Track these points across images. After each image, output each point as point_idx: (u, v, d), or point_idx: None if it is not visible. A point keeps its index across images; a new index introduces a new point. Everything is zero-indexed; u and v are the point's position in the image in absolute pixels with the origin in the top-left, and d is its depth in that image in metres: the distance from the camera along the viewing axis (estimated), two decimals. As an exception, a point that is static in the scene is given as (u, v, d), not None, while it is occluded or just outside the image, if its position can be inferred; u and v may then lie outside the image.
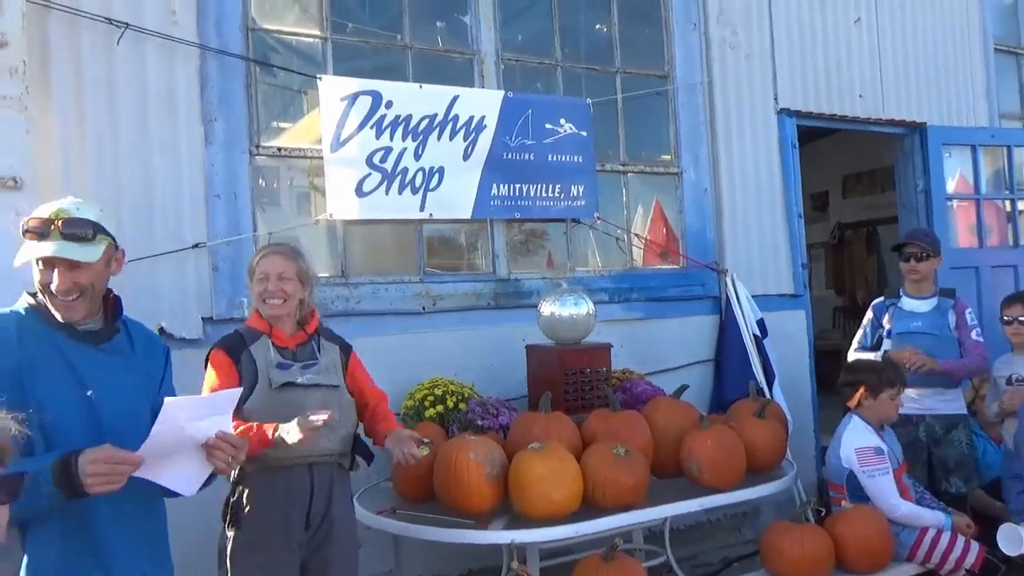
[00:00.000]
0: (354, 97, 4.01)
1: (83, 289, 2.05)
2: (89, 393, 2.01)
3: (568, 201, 4.60)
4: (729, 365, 4.79)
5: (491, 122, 4.34)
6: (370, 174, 4.04)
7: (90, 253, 2.04)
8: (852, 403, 3.80)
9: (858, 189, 9.06)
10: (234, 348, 2.69)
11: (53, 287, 2.02)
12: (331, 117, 3.96)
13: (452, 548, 3.40)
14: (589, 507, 3.19)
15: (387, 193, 4.08)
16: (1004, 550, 3.24)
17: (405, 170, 4.12)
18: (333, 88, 3.98)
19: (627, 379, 4.23)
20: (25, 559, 1.93)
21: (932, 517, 3.62)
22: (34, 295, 2.08)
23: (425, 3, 4.48)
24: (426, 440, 3.28)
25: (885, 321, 4.34)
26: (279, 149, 4.04)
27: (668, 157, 5.12)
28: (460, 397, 3.83)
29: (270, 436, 2.50)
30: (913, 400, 4.10)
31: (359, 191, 4.01)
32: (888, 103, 5.76)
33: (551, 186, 4.54)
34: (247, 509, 2.62)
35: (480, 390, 4.03)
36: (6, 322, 2.01)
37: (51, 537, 1.94)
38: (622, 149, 4.96)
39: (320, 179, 4.04)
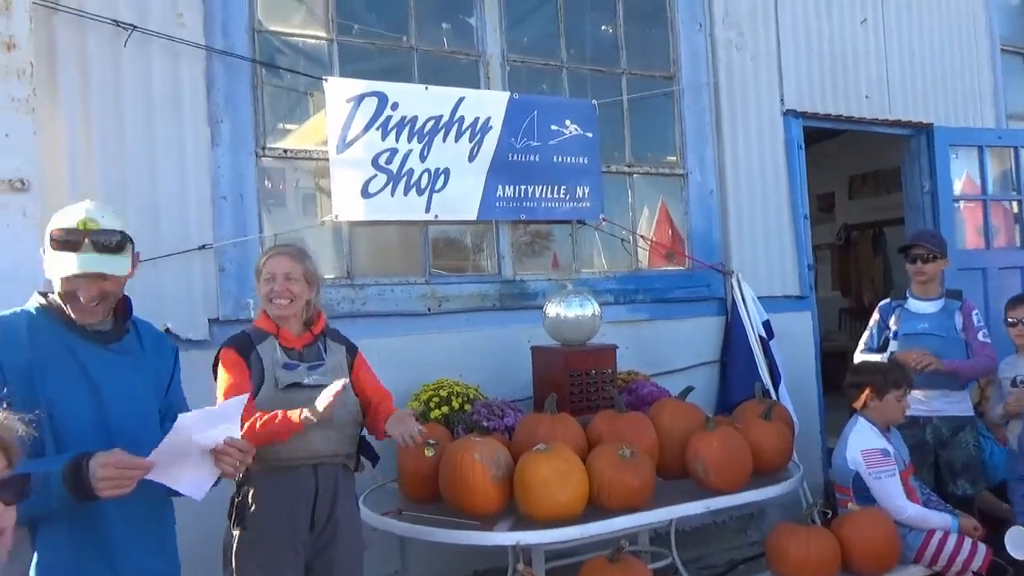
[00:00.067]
0: (360, 98, 4.02)
1: (107, 295, 2.07)
2: (96, 386, 2.03)
3: (573, 202, 4.60)
4: (735, 367, 4.78)
5: (497, 123, 4.34)
6: (376, 175, 4.04)
7: (122, 264, 2.07)
8: (858, 405, 3.79)
9: (864, 190, 9.03)
10: (243, 347, 2.71)
11: (81, 296, 2.03)
12: (337, 118, 3.97)
13: (458, 549, 3.39)
14: (595, 508, 3.18)
15: (393, 194, 4.08)
16: (1011, 553, 3.23)
17: (411, 171, 4.13)
18: (339, 89, 3.99)
19: (633, 380, 4.23)
20: (34, 558, 1.94)
21: (939, 519, 3.61)
22: (45, 295, 2.10)
23: (431, 5, 4.49)
24: (431, 441, 3.30)
25: (891, 323, 4.33)
26: (285, 150, 4.05)
27: (674, 158, 5.12)
28: (465, 398, 3.83)
29: (297, 420, 2.51)
30: (920, 402, 4.09)
31: (365, 192, 4.02)
32: (895, 104, 5.75)
33: (556, 187, 4.54)
34: (252, 509, 2.63)
35: (485, 391, 4.03)
36: (17, 322, 2.02)
37: (60, 537, 1.96)
38: (627, 150, 4.95)
39: (326, 180, 4.04)
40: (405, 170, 4.11)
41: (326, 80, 3.99)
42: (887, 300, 4.50)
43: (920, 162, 5.89)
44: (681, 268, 5.07)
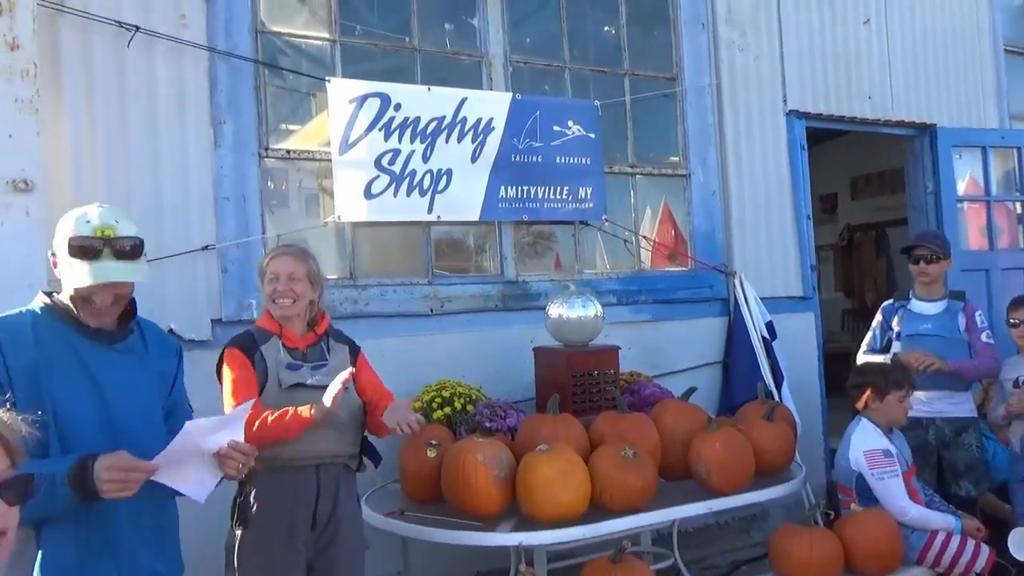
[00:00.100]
0: (363, 99, 4.02)
1: (122, 299, 2.09)
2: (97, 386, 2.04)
3: (576, 203, 4.60)
4: (737, 367, 4.78)
5: (499, 124, 4.35)
6: (378, 176, 4.05)
7: (141, 270, 2.09)
8: (860, 405, 3.79)
9: (867, 191, 9.02)
10: (247, 347, 2.71)
11: (98, 301, 2.04)
12: (340, 119, 3.97)
13: (460, 550, 3.39)
14: (597, 509, 3.18)
15: (395, 195, 4.09)
16: (1015, 554, 3.22)
17: (413, 172, 4.13)
18: (342, 90, 4.00)
19: (635, 381, 4.23)
20: (39, 559, 1.95)
21: (942, 520, 3.60)
22: (49, 294, 2.10)
23: (434, 6, 4.50)
24: (433, 442, 3.30)
25: (894, 323, 4.32)
26: (288, 151, 4.06)
27: (676, 159, 5.12)
28: (468, 399, 3.83)
29: (308, 415, 2.54)
30: (923, 403, 4.08)
31: (367, 193, 4.02)
32: (897, 104, 5.75)
33: (559, 188, 4.54)
34: (253, 508, 2.63)
35: (488, 392, 4.03)
36: (23, 321, 2.03)
37: (65, 537, 1.96)
38: (630, 151, 4.95)
39: (329, 181, 4.05)
40: (408, 171, 4.12)
41: (329, 81, 3.99)
42: (890, 301, 4.50)
43: (923, 163, 5.89)
44: (684, 269, 5.06)
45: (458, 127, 4.25)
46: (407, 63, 4.36)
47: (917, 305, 4.31)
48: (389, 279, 4.19)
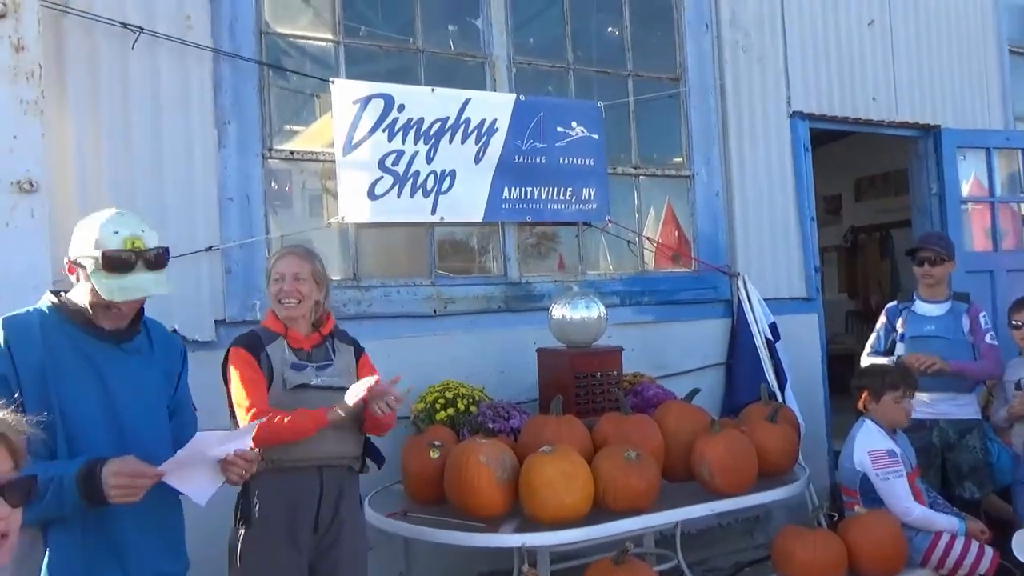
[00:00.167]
0: (366, 100, 4.02)
1: (140, 302, 2.13)
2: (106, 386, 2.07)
3: (579, 204, 4.60)
4: (741, 369, 4.77)
5: (503, 125, 4.35)
6: (382, 177, 4.05)
7: (167, 279, 2.13)
8: (859, 406, 3.80)
9: (871, 192, 9.00)
10: (252, 346, 2.72)
11: (124, 307, 2.08)
12: (343, 120, 3.98)
13: (462, 551, 3.40)
14: (600, 511, 3.18)
15: (399, 196, 4.09)
16: (1019, 556, 3.22)
17: (417, 173, 4.13)
18: (345, 91, 4.00)
19: (638, 382, 4.22)
20: (46, 558, 1.96)
21: (946, 522, 3.60)
22: (57, 294, 2.12)
23: (437, 7, 4.50)
24: (436, 443, 3.30)
25: (898, 325, 4.32)
26: (292, 152, 4.06)
27: (680, 160, 5.11)
28: (471, 400, 3.83)
29: (328, 418, 2.59)
30: (926, 405, 4.07)
31: (371, 194, 4.03)
32: (902, 106, 5.73)
33: (562, 189, 4.54)
34: (256, 508, 2.64)
35: (491, 393, 4.03)
36: (31, 320, 2.04)
37: (72, 537, 1.98)
38: (634, 152, 4.95)
39: (332, 182, 4.05)
40: (411, 172, 4.12)
41: (333, 82, 4.00)
42: (894, 303, 4.49)
43: (927, 164, 5.87)
44: (687, 270, 5.06)
45: (462, 128, 4.25)
46: (411, 64, 4.36)
47: (921, 307, 4.30)
48: (392, 280, 4.19)
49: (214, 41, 3.74)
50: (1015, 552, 3.22)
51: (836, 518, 3.81)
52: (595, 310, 3.90)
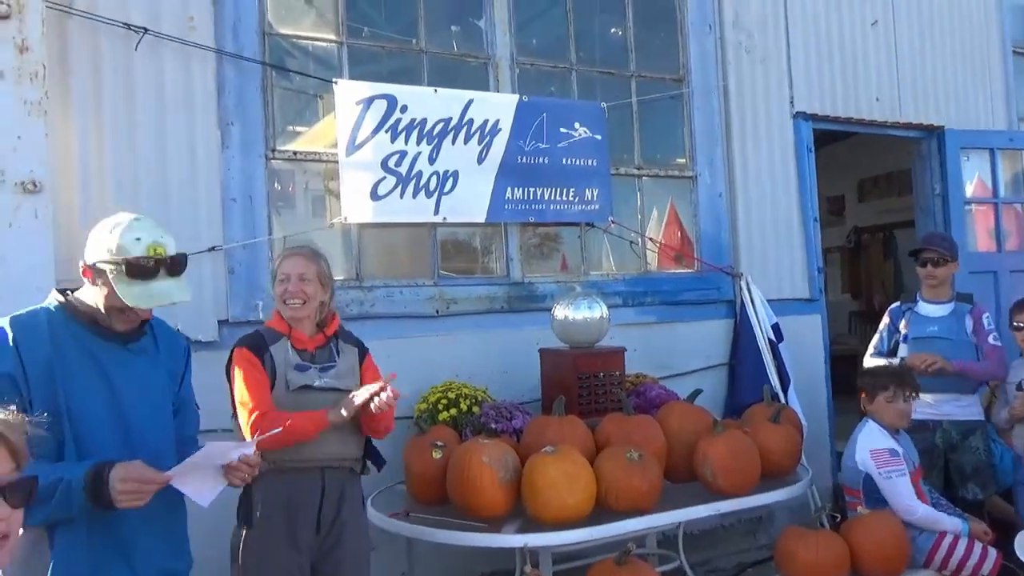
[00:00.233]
0: (369, 101, 4.03)
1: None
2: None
3: (582, 205, 4.60)
4: (744, 369, 4.76)
5: (505, 126, 4.35)
6: (385, 178, 4.05)
7: (187, 285, 2.16)
8: (862, 407, 3.80)
9: (875, 193, 9.00)
10: (256, 347, 2.73)
11: (142, 313, 2.11)
12: (346, 121, 3.98)
13: (465, 551, 3.40)
14: (602, 511, 3.18)
15: (402, 197, 4.09)
16: (1022, 557, 3.21)
17: (420, 174, 4.14)
18: (348, 92, 4.00)
19: (641, 383, 4.22)
20: (53, 558, 1.97)
21: (949, 523, 3.59)
22: (63, 292, 2.13)
23: (440, 8, 4.50)
24: (439, 443, 3.30)
25: (902, 326, 4.31)
26: (295, 153, 4.07)
27: (683, 161, 5.11)
28: (473, 400, 3.84)
29: (330, 420, 2.60)
30: (929, 406, 4.08)
31: (374, 195, 4.03)
32: (905, 106, 5.73)
33: (565, 190, 4.54)
34: (258, 509, 2.64)
35: (493, 393, 4.04)
36: (38, 319, 2.06)
37: (78, 537, 1.99)
38: (637, 153, 4.95)
39: (335, 183, 4.06)
40: (414, 172, 4.12)
41: (336, 83, 4.00)
42: (897, 303, 4.49)
43: (931, 165, 5.86)
44: (690, 270, 5.06)
45: (464, 128, 4.25)
46: (414, 65, 4.37)
47: (924, 308, 4.30)
48: (395, 280, 4.20)
49: (217, 42, 3.75)
50: (1018, 553, 3.21)
51: (839, 519, 3.80)
52: (598, 311, 3.90)
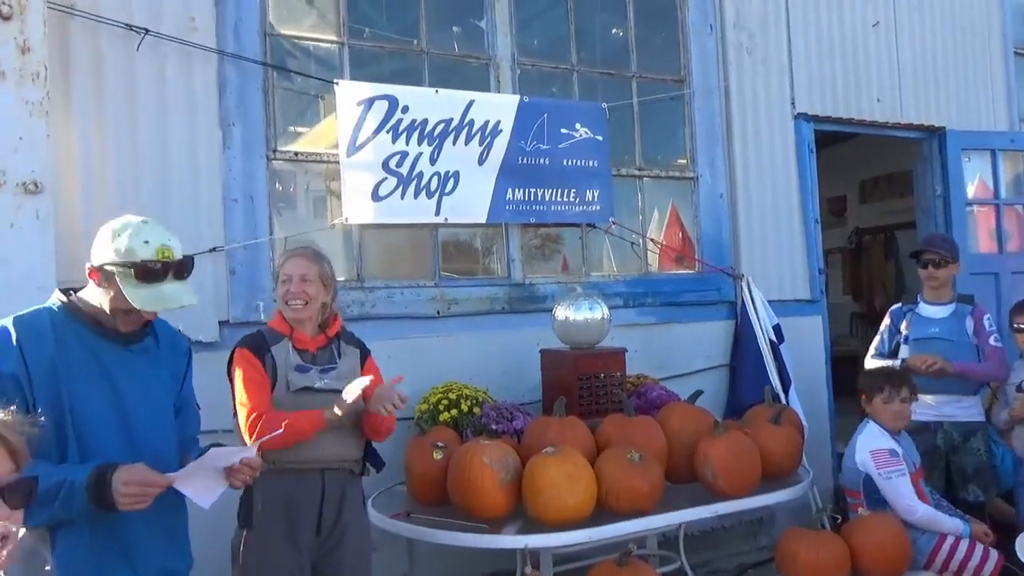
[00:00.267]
0: (370, 102, 4.03)
1: None
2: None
3: (583, 205, 4.60)
4: (744, 370, 4.76)
5: (507, 127, 4.35)
6: (386, 178, 4.06)
7: (192, 288, 2.17)
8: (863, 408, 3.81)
9: (876, 194, 8.99)
10: (257, 347, 2.73)
11: (147, 316, 2.12)
12: (348, 122, 3.98)
13: (466, 552, 3.40)
14: (603, 512, 3.18)
15: (403, 197, 4.09)
16: (1023, 560, 3.21)
17: (421, 174, 4.14)
18: (350, 93, 4.01)
19: (642, 384, 4.22)
20: (54, 559, 1.97)
21: (950, 524, 3.59)
22: (66, 292, 2.13)
23: (441, 8, 4.50)
24: (440, 444, 3.30)
25: (903, 327, 4.31)
26: (296, 153, 4.07)
27: (684, 161, 5.11)
28: (474, 401, 3.84)
29: (324, 418, 2.58)
30: (930, 407, 4.07)
31: (375, 195, 4.03)
32: (906, 107, 5.73)
33: (566, 190, 4.54)
34: (259, 509, 2.64)
35: (494, 394, 4.04)
36: (41, 319, 2.06)
37: (80, 538, 2.00)
38: (638, 153, 4.95)
39: (336, 183, 4.06)
40: (415, 173, 4.12)
41: (337, 83, 4.00)
42: (898, 305, 4.48)
43: (932, 166, 5.86)
44: (691, 271, 5.06)
45: (466, 129, 4.25)
46: (415, 65, 4.37)
47: (925, 309, 4.29)
48: (396, 281, 4.20)
49: (219, 43, 3.75)
50: (1020, 555, 3.21)
51: (840, 520, 3.80)
52: (599, 311, 3.90)
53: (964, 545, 3.53)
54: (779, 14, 5.28)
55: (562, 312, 3.92)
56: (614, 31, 5.06)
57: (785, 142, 5.25)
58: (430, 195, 4.16)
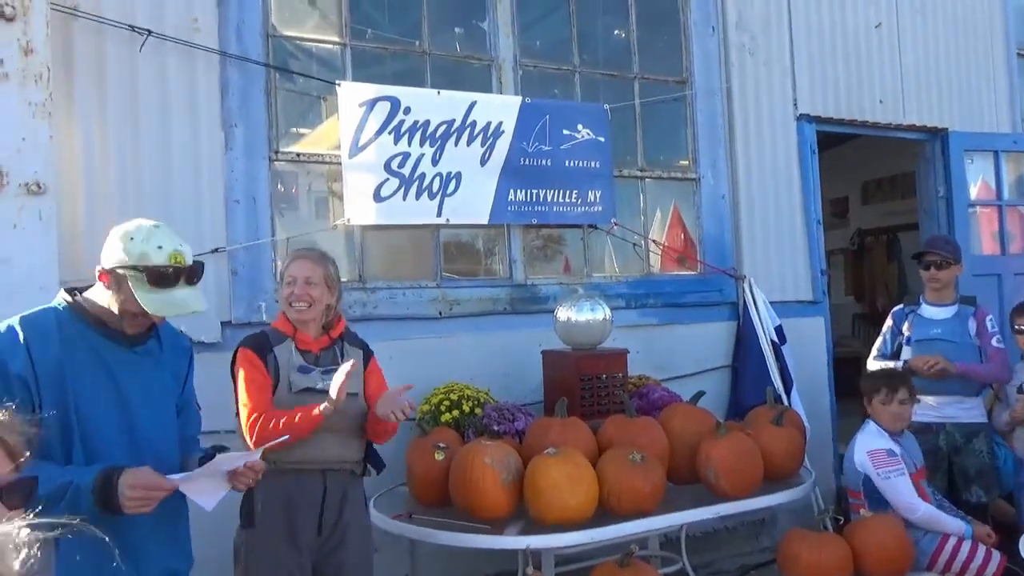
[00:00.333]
0: (372, 103, 4.04)
1: None
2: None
3: (585, 206, 4.60)
4: (747, 371, 4.76)
5: (509, 128, 4.35)
6: (388, 179, 4.06)
7: (201, 294, 2.17)
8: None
9: (878, 195, 8.99)
10: (260, 347, 2.73)
11: (156, 320, 2.12)
12: (350, 123, 3.99)
13: (467, 553, 3.40)
14: (605, 513, 3.18)
15: (405, 198, 4.10)
16: (1026, 560, 3.21)
17: (423, 175, 4.14)
18: (352, 94, 4.01)
19: (643, 385, 4.22)
20: (56, 562, 1.97)
21: (952, 524, 3.59)
22: (71, 292, 2.14)
23: (444, 10, 4.51)
24: (441, 445, 3.30)
25: (905, 328, 4.30)
26: (298, 154, 4.08)
27: (686, 162, 5.11)
28: (476, 402, 3.84)
29: (318, 412, 2.55)
30: (933, 408, 4.07)
31: (377, 196, 4.03)
32: (909, 109, 5.72)
33: (568, 192, 4.54)
34: (260, 510, 2.65)
35: (496, 395, 4.04)
36: (47, 319, 2.07)
37: (83, 539, 1.99)
38: (640, 154, 4.95)
39: (338, 184, 4.06)
40: (417, 174, 4.13)
41: (339, 84, 4.01)
42: (900, 306, 4.48)
43: (935, 167, 5.86)
44: (693, 273, 5.06)
45: (467, 130, 4.25)
46: (417, 67, 4.37)
47: (928, 310, 4.29)
48: (398, 282, 4.20)
49: (221, 44, 3.76)
50: (1022, 555, 3.20)
51: (842, 521, 3.80)
52: (600, 312, 3.90)
53: (966, 546, 3.53)
54: (781, 15, 5.28)
55: (564, 313, 3.92)
56: (616, 32, 5.06)
57: (787, 143, 5.25)
58: (432, 196, 4.17)
